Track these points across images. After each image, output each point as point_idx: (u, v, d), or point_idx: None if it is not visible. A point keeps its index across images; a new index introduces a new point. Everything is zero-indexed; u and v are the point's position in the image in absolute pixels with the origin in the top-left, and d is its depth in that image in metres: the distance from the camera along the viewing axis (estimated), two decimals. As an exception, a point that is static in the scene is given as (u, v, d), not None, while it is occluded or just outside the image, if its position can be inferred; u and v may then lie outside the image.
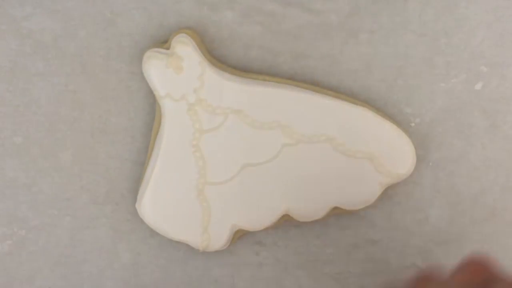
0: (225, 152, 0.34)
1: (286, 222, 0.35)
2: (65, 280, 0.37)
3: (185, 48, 0.33)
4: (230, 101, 0.34)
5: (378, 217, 0.36)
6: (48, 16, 0.34)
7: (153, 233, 0.37)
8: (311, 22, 0.34)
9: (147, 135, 0.36)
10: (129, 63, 0.35)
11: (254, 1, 0.34)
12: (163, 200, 0.35)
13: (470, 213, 0.37)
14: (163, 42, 0.34)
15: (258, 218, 0.35)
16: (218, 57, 0.35)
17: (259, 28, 0.35)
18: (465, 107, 0.35)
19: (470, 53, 0.35)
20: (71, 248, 0.37)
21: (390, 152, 0.34)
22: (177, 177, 0.34)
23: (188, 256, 0.37)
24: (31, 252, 0.37)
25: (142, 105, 0.36)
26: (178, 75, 0.33)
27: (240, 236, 0.36)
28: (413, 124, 0.36)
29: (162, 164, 0.34)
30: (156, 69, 0.33)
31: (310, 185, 0.35)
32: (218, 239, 0.35)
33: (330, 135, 0.34)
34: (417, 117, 0.36)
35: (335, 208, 0.35)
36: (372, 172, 0.35)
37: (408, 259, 0.37)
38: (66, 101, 0.35)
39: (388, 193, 0.36)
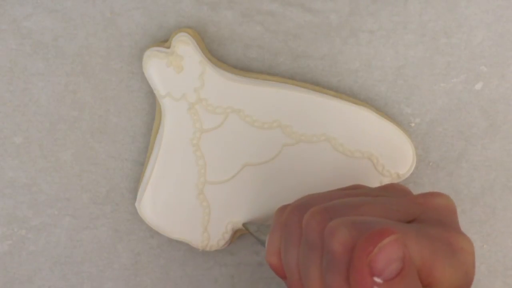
0: (225, 151, 0.34)
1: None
2: (65, 280, 0.37)
3: (185, 47, 0.33)
4: (230, 101, 0.34)
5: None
6: (48, 16, 0.34)
7: (153, 233, 0.37)
8: (311, 22, 0.34)
9: (147, 135, 0.36)
10: (129, 63, 0.35)
11: (254, 1, 0.34)
12: (163, 199, 0.35)
13: (470, 213, 0.37)
14: (163, 41, 0.34)
15: (258, 218, 0.35)
16: (218, 56, 0.35)
17: (259, 28, 0.35)
18: (465, 107, 0.35)
19: (470, 53, 0.35)
20: (71, 248, 0.37)
21: (390, 152, 0.34)
22: (177, 176, 0.34)
23: (188, 256, 0.37)
24: (31, 252, 0.37)
25: (142, 105, 0.36)
26: (179, 74, 0.33)
27: (240, 236, 0.36)
28: (413, 124, 0.36)
29: (162, 163, 0.34)
30: (157, 68, 0.33)
31: (310, 184, 0.35)
32: (218, 238, 0.35)
33: (330, 135, 0.34)
34: (417, 117, 0.36)
35: (335, 208, 0.35)
36: (372, 172, 0.35)
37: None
38: (66, 101, 0.35)
39: (388, 193, 0.36)
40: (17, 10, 0.34)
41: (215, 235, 0.35)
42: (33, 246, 0.37)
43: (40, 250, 0.37)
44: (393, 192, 0.28)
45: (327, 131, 0.34)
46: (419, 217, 0.25)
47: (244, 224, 0.34)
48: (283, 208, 0.29)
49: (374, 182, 0.35)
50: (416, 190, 0.36)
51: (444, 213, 0.26)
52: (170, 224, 0.35)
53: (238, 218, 0.35)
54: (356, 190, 0.28)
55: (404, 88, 0.35)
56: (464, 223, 0.37)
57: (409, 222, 0.25)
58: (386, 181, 0.35)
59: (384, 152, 0.34)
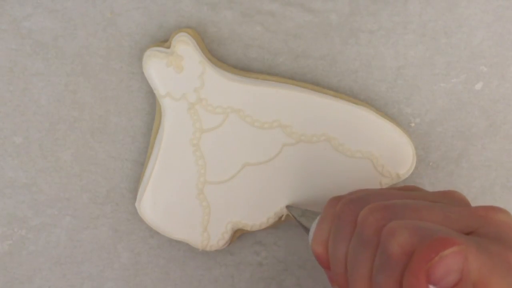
0: (225, 151, 0.34)
1: (286, 222, 0.35)
2: (65, 280, 0.37)
3: (185, 47, 0.33)
4: (230, 101, 0.34)
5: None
6: (48, 16, 0.34)
7: (153, 233, 0.37)
8: (311, 22, 0.34)
9: (147, 135, 0.36)
10: (129, 63, 0.35)
11: (254, 1, 0.34)
12: (163, 199, 0.35)
13: (470, 213, 0.37)
14: (163, 41, 0.34)
15: (258, 218, 0.35)
16: (218, 56, 0.35)
17: (259, 28, 0.35)
18: (465, 107, 0.35)
19: (470, 53, 0.35)
20: (71, 248, 0.37)
21: (390, 152, 0.34)
22: (177, 176, 0.34)
23: (188, 256, 0.37)
24: (31, 252, 0.37)
25: (142, 105, 0.36)
26: (179, 74, 0.33)
27: (240, 235, 0.36)
28: (413, 124, 0.36)
29: (162, 163, 0.34)
30: (157, 68, 0.33)
31: (310, 184, 0.35)
32: (218, 238, 0.35)
33: (330, 135, 0.34)
34: (417, 117, 0.36)
35: (335, 208, 0.35)
36: (372, 172, 0.35)
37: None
38: (66, 101, 0.35)
39: (388, 193, 0.36)
40: (17, 10, 0.34)
41: (215, 235, 0.35)
42: (33, 246, 0.37)
43: (40, 250, 0.37)
44: (452, 200, 0.27)
45: (327, 131, 0.34)
46: (478, 230, 0.25)
47: (288, 207, 0.34)
48: (336, 199, 0.29)
49: (374, 182, 0.35)
50: (416, 190, 0.36)
51: (504, 230, 0.25)
52: (170, 224, 0.35)
53: (238, 218, 0.35)
54: (415, 192, 0.28)
55: (404, 88, 0.35)
56: (464, 223, 0.37)
57: (467, 234, 0.25)
58: (386, 181, 0.35)
59: (384, 152, 0.34)
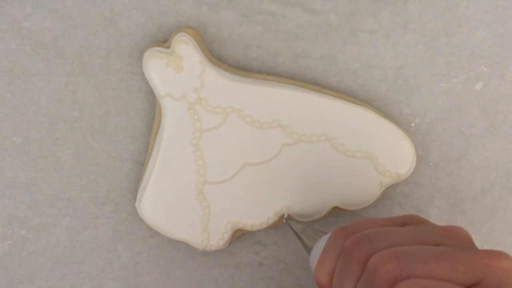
0: (225, 151, 0.34)
1: (286, 222, 0.35)
2: (65, 280, 0.37)
3: (185, 47, 0.33)
4: (230, 100, 0.34)
5: (378, 217, 0.36)
6: (48, 16, 0.34)
7: (153, 233, 0.37)
8: (311, 22, 0.34)
9: (147, 135, 0.36)
10: (129, 63, 0.35)
11: (254, 1, 0.34)
12: (162, 199, 0.35)
13: (470, 213, 0.37)
14: (163, 41, 0.34)
15: (258, 218, 0.35)
16: (218, 56, 0.35)
17: (259, 28, 0.35)
18: (465, 107, 0.35)
19: (470, 53, 0.35)
20: (71, 248, 0.37)
21: (390, 152, 0.34)
22: (176, 176, 0.34)
23: (188, 256, 0.37)
24: (31, 252, 0.37)
25: (142, 105, 0.36)
26: (179, 74, 0.33)
27: (240, 235, 0.36)
28: (413, 124, 0.36)
29: (162, 163, 0.34)
30: (157, 68, 0.33)
31: (310, 185, 0.35)
32: (218, 238, 0.35)
33: (330, 135, 0.34)
34: (417, 117, 0.36)
35: (335, 208, 0.35)
36: (372, 172, 0.35)
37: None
38: (66, 101, 0.35)
39: (388, 193, 0.36)
40: (17, 10, 0.34)
41: (215, 235, 0.35)
42: (33, 246, 0.37)
43: (40, 250, 0.37)
44: (457, 239, 0.27)
45: (327, 131, 0.34)
46: (483, 281, 0.25)
47: (288, 221, 0.34)
48: (343, 231, 0.29)
49: (374, 182, 0.35)
50: (416, 190, 0.36)
51: (509, 278, 0.25)
52: (170, 224, 0.35)
53: (238, 218, 0.35)
54: (421, 230, 0.28)
55: (404, 88, 0.35)
56: (464, 223, 0.37)
57: (473, 285, 0.25)
58: (386, 181, 0.35)
59: (384, 152, 0.34)
